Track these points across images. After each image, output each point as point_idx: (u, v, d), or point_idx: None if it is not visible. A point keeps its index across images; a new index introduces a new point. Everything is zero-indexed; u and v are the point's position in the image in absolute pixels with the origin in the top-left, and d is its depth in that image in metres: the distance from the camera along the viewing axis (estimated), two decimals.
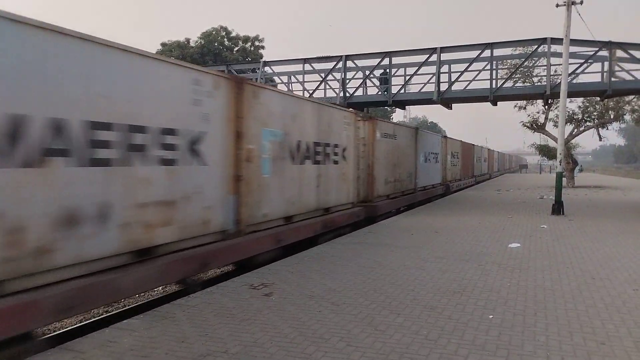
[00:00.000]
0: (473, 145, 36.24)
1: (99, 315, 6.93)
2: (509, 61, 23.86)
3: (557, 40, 16.40)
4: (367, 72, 19.70)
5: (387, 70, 19.49)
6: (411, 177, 17.74)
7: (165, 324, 4.88)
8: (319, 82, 20.09)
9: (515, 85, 21.88)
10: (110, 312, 7.12)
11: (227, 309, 5.37)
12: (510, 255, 8.50)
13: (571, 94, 17.79)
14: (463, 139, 30.88)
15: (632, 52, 16.09)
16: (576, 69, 17.33)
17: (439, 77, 18.21)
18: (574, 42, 15.76)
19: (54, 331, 6.11)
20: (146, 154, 5.69)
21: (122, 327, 4.81)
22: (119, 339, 4.46)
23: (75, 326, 6.32)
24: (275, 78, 23.54)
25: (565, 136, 20.66)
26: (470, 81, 18.55)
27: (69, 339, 4.57)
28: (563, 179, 17.32)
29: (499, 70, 20.40)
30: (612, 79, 16.58)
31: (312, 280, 6.65)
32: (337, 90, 19.66)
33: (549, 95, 18.23)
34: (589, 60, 17.05)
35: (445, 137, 25.77)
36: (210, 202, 6.79)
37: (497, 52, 18.32)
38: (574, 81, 17.74)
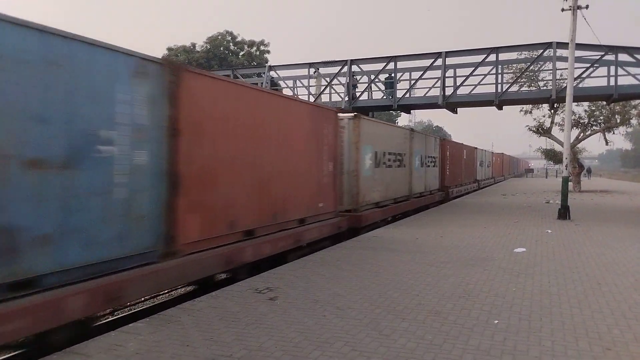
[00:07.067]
0: (492, 152, 43.55)
1: (105, 319, 6.94)
2: (514, 65, 23.84)
3: (562, 45, 16.38)
4: (372, 77, 19.74)
5: (393, 75, 19.51)
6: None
7: (170, 328, 4.90)
8: (324, 87, 20.16)
9: (521, 89, 21.84)
10: (116, 315, 7.14)
11: (232, 313, 5.39)
12: (515, 259, 8.47)
13: (577, 98, 17.72)
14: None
15: (638, 56, 16.03)
16: (582, 73, 17.29)
17: (444, 82, 18.20)
18: (580, 46, 15.72)
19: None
20: None
21: (128, 330, 4.84)
22: (125, 343, 4.49)
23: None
24: (281, 82, 23.61)
25: (572, 140, 20.59)
26: (476, 85, 18.55)
27: (75, 342, 4.59)
28: (569, 183, 17.24)
29: (504, 75, 20.38)
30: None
31: (317, 285, 6.65)
32: (342, 95, 19.71)
33: (554, 100, 18.18)
34: (595, 65, 17.00)
35: (476, 148, 31.46)
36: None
37: (503, 56, 18.32)
38: (580, 85, 17.68)
